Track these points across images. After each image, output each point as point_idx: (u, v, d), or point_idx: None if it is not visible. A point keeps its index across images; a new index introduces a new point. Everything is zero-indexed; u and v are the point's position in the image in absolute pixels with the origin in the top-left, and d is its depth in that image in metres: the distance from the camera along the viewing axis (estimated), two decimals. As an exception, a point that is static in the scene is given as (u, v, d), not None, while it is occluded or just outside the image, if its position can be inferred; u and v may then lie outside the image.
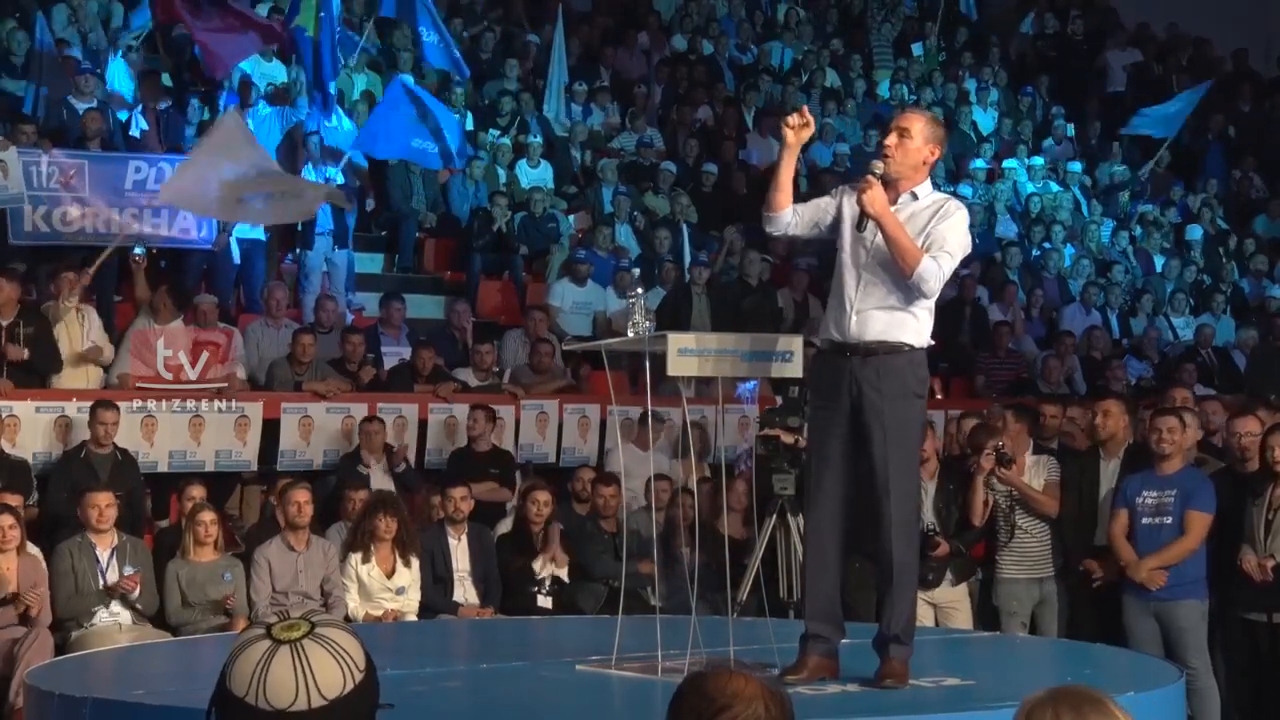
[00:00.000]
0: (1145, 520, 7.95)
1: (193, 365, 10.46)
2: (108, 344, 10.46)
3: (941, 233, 5.29)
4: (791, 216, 5.55)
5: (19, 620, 8.02)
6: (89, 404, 9.51)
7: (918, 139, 5.37)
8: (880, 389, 5.32)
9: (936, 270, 5.23)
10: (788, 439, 8.40)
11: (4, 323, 9.90)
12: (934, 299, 5.33)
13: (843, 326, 5.40)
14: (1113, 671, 6.59)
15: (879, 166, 5.36)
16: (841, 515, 5.51)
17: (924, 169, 5.42)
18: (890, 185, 5.40)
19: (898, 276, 5.30)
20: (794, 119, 5.43)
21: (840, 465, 5.44)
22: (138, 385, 10.20)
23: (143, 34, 13.81)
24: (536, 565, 9.35)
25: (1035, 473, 8.73)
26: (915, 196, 5.41)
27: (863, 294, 5.37)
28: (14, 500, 8.63)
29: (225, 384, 10.42)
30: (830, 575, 5.58)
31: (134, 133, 12.91)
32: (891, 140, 5.42)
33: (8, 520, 8.17)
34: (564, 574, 9.37)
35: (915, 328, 5.36)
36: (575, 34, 17.06)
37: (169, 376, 10.35)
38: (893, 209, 5.35)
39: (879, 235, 5.31)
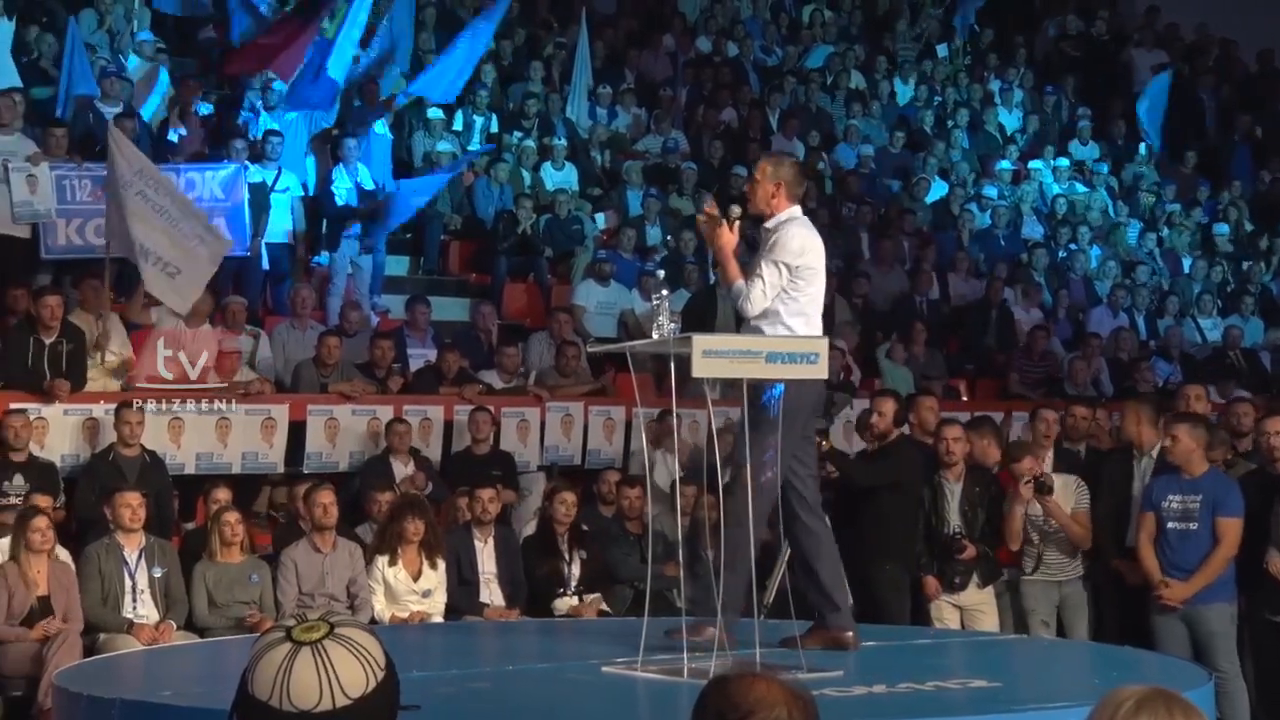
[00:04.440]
0: (1172, 525, 7.91)
1: (193, 365, 10.40)
2: (130, 352, 10.44)
3: (759, 259, 6.12)
4: None
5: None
6: (116, 405, 9.55)
7: (761, 179, 6.26)
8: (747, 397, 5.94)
9: (744, 292, 6.06)
10: (812, 439, 8.38)
11: (48, 340, 9.94)
12: (779, 315, 6.03)
13: None
14: (1141, 674, 6.54)
15: (736, 209, 6.24)
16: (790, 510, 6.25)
17: (776, 201, 6.23)
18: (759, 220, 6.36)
19: None
20: (701, 219, 6.46)
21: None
22: (137, 385, 10.12)
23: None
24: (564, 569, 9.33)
25: (1064, 498, 8.67)
26: (769, 229, 6.23)
27: (735, 317, 6.29)
28: (43, 502, 8.66)
29: (225, 384, 10.37)
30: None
31: (171, 137, 12.94)
32: (748, 186, 6.51)
33: (43, 522, 8.19)
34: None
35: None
36: (600, 36, 17.05)
37: (169, 376, 10.28)
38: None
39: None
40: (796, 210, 6.28)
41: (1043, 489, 8.49)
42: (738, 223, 6.21)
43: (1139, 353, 14.45)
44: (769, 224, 6.23)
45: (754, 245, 6.61)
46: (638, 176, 15.02)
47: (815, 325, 6.21)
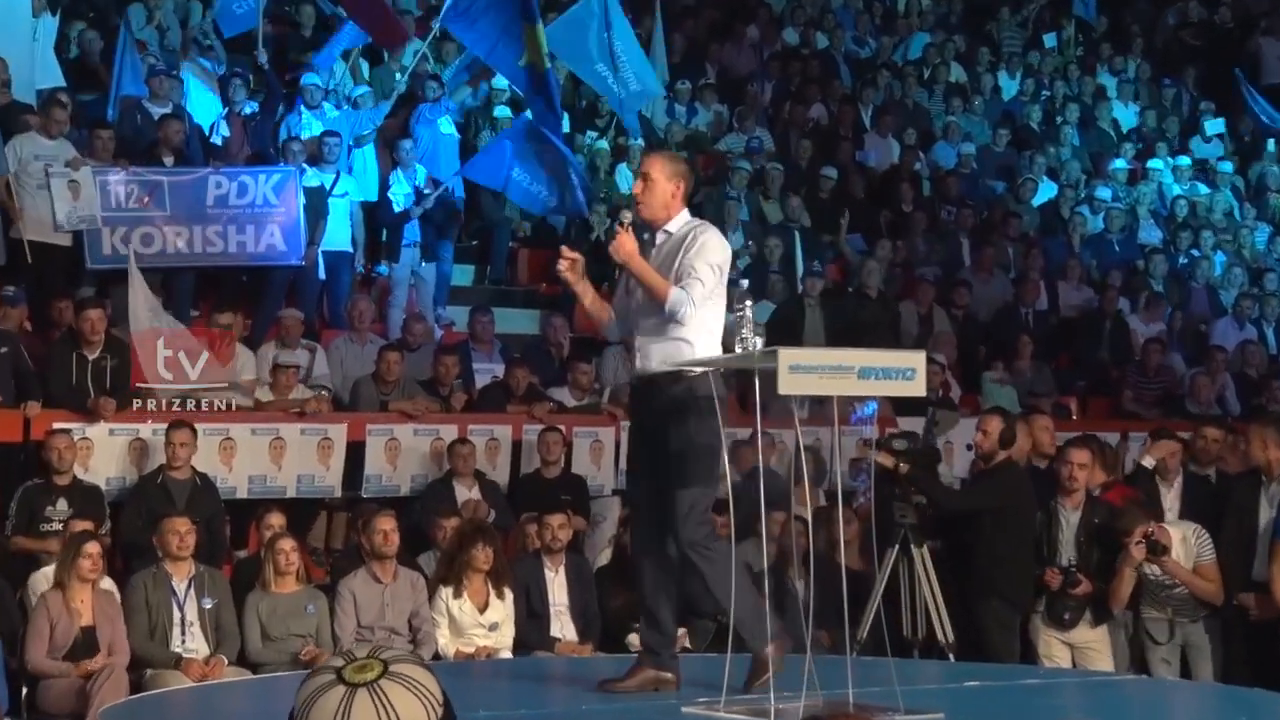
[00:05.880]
0: (1306, 554, 7.77)
1: (193, 365, 10.41)
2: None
3: (689, 262, 6.03)
4: (617, 319, 6.43)
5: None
6: (164, 425, 9.61)
7: (659, 178, 6.22)
8: (662, 414, 6.03)
9: (685, 298, 5.96)
10: (885, 462, 8.31)
11: (91, 356, 10.03)
12: (705, 324, 6.01)
13: (634, 362, 6.31)
14: (1270, 719, 6.40)
15: (627, 215, 6.23)
16: (656, 534, 6.26)
17: (675, 203, 6.23)
18: (651, 226, 6.28)
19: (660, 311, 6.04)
20: (563, 264, 6.34)
21: (648, 486, 6.21)
22: (137, 385, 10.15)
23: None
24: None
25: (1183, 552, 8.45)
26: (669, 233, 6.21)
27: (640, 332, 6.20)
28: (85, 528, 8.71)
29: (226, 384, 10.41)
30: (654, 590, 6.34)
31: (215, 140, 13.04)
32: (638, 187, 6.35)
33: (94, 548, 8.22)
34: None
35: (691, 353, 6.04)
36: (679, 28, 17.04)
37: (169, 377, 10.29)
38: (654, 248, 6.23)
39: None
40: (686, 212, 6.30)
41: (1155, 550, 8.23)
42: (631, 227, 6.17)
43: (1268, 368, 14.20)
44: (671, 227, 6.21)
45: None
46: (740, 182, 14.90)
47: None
